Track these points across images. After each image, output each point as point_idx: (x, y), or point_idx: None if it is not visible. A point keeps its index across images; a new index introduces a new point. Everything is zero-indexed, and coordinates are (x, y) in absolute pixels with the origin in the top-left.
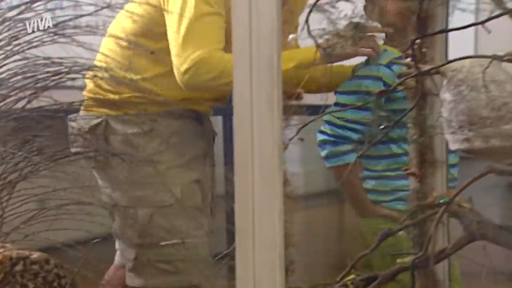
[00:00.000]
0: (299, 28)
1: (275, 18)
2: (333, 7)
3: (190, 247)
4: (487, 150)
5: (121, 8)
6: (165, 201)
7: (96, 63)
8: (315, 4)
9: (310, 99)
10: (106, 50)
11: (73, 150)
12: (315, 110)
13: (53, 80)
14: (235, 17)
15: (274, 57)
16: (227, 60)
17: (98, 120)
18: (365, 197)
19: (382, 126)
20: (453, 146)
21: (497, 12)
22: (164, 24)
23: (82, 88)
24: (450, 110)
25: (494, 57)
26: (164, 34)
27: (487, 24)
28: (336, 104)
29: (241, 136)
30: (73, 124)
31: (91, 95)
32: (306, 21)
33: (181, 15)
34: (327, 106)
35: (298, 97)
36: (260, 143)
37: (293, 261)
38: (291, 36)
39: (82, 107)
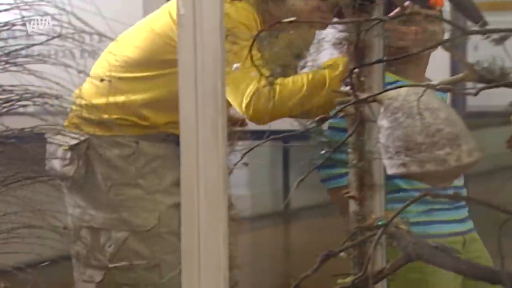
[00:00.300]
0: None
1: (219, 49)
2: (276, 37)
3: (162, 272)
4: (423, 175)
5: (72, 38)
6: (141, 226)
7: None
8: (257, 35)
9: (253, 124)
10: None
11: (47, 168)
12: (259, 135)
13: (4, 107)
14: (180, 47)
15: (218, 86)
16: (280, 83)
17: (82, 138)
18: None
19: (323, 151)
20: (390, 171)
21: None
22: (166, 52)
23: (33, 114)
24: (387, 136)
25: (428, 86)
26: (163, 62)
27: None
28: (329, 127)
29: (187, 161)
30: (52, 140)
31: (76, 113)
32: (250, 51)
33: None
34: (271, 132)
35: (242, 123)
36: (205, 168)
37: (237, 282)
38: (235, 65)
39: (65, 124)
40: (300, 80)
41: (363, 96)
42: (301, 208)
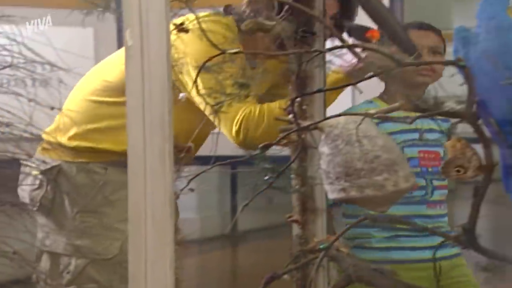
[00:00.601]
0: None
1: (166, 79)
2: (220, 68)
3: None
4: (362, 199)
5: (24, 67)
6: (102, 254)
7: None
8: (203, 65)
9: (200, 150)
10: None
11: (19, 191)
12: (206, 161)
13: None
14: (128, 77)
15: (165, 115)
16: (267, 108)
17: (53, 164)
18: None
19: (266, 177)
20: (331, 196)
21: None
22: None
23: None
24: (328, 162)
25: (365, 115)
26: None
27: (359, 84)
28: None
29: (134, 187)
30: (26, 164)
31: (49, 139)
32: (195, 81)
33: None
34: (217, 158)
35: (188, 150)
36: (152, 194)
37: None
38: (181, 94)
39: (38, 149)
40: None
41: (305, 124)
42: (248, 231)
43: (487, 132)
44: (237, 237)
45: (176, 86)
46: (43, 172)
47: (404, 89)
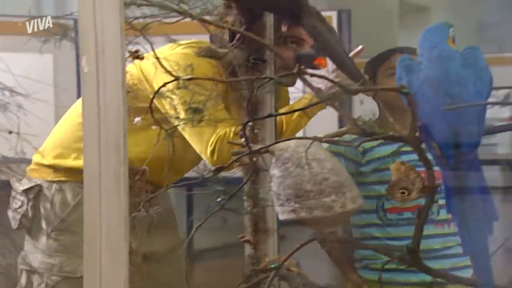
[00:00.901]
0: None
1: (121, 104)
2: (173, 93)
3: None
4: (311, 220)
5: None
6: (72, 272)
7: None
8: (157, 91)
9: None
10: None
11: (8, 212)
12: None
13: None
14: (84, 102)
15: (120, 138)
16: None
17: (32, 183)
18: (343, 259)
19: (219, 199)
20: (281, 217)
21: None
22: (137, 100)
23: None
24: (278, 184)
25: (314, 139)
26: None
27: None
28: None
29: (90, 208)
30: (12, 185)
31: (36, 159)
32: (150, 106)
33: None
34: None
35: (143, 173)
36: (107, 215)
37: None
38: (136, 119)
39: (27, 169)
40: None
41: (256, 147)
42: (203, 250)
43: (430, 155)
44: (193, 255)
45: (131, 111)
46: (24, 191)
47: (393, 113)
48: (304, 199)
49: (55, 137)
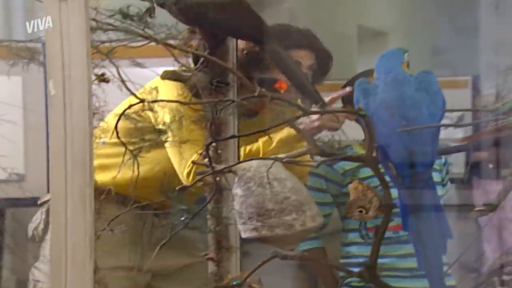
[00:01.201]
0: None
1: (87, 127)
2: (140, 116)
3: None
4: (273, 238)
5: None
6: None
7: None
8: (123, 113)
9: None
10: None
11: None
12: (121, 199)
13: None
14: (51, 125)
15: (86, 160)
16: None
17: (48, 197)
18: (330, 275)
19: (182, 218)
20: (244, 235)
21: None
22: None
23: None
24: (241, 203)
25: (275, 159)
26: None
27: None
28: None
29: (56, 228)
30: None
31: None
32: (115, 127)
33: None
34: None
35: (108, 193)
36: (73, 235)
37: None
38: (102, 140)
39: None
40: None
41: (219, 167)
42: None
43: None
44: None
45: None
46: (41, 204)
47: None
48: (266, 218)
49: None
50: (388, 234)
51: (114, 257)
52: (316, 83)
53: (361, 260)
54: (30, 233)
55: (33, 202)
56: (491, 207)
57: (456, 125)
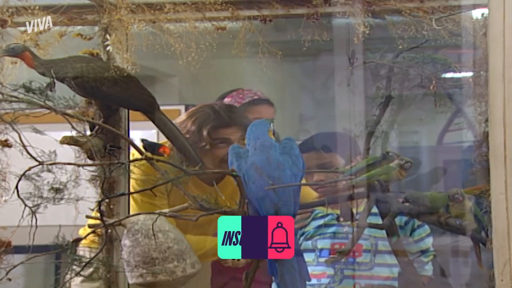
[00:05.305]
0: None
1: None
2: (39, 176)
3: None
4: (156, 283)
5: None
6: None
7: None
8: (24, 173)
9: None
10: None
11: None
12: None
13: None
14: None
15: None
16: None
17: None
18: None
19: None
20: (131, 281)
21: None
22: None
23: None
24: (129, 253)
25: (160, 213)
26: None
27: None
28: None
29: None
30: None
31: None
32: (16, 187)
33: None
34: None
35: (8, 245)
36: None
37: None
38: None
39: None
40: (202, 242)
41: (111, 220)
42: None
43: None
44: None
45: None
46: None
47: None
48: (151, 265)
49: None
50: (325, 281)
51: None
52: None
53: None
54: None
55: None
56: (343, 254)
57: (312, 184)
